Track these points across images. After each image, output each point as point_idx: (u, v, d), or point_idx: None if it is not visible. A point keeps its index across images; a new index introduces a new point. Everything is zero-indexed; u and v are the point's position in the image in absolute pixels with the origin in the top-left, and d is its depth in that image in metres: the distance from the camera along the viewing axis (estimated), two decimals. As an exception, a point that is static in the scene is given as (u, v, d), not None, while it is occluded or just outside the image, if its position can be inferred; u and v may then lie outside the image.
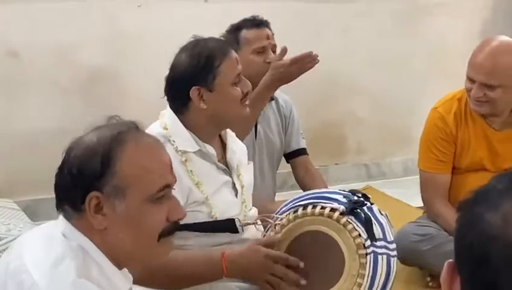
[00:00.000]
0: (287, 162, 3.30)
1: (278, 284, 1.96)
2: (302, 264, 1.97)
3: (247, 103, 2.18)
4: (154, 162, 1.46)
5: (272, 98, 3.17)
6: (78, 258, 1.36)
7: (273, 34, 3.10)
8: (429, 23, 4.90)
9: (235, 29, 3.06)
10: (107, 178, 1.39)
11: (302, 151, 3.24)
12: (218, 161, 2.19)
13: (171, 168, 1.51)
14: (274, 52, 3.07)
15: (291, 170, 3.30)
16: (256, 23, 3.08)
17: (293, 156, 3.25)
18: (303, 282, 1.96)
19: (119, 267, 1.44)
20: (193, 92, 2.09)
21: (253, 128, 3.06)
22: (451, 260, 0.91)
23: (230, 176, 2.21)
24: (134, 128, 1.49)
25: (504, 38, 2.81)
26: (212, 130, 2.17)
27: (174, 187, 1.51)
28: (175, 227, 1.50)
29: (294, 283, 1.95)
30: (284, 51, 2.76)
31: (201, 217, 2.10)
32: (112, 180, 1.40)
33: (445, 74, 4.67)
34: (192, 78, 2.09)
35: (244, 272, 1.97)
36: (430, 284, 2.96)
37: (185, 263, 1.98)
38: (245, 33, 3.05)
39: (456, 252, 0.90)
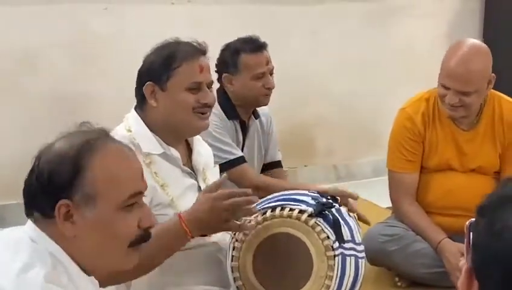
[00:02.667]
0: (261, 173, 3.30)
1: (234, 214, 1.94)
2: (249, 191, 1.96)
3: (205, 115, 2.17)
4: (124, 169, 1.45)
5: (257, 116, 3.17)
6: (46, 263, 1.35)
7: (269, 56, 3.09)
8: (397, 24, 4.94)
9: (234, 52, 3.04)
10: (77, 186, 1.38)
11: (277, 164, 3.28)
12: (184, 165, 2.18)
13: (142, 175, 1.50)
14: (271, 74, 3.08)
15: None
16: (256, 46, 3.05)
17: (268, 168, 3.28)
18: (254, 199, 1.95)
19: (87, 273, 1.43)
20: (147, 87, 2.12)
21: (241, 147, 3.08)
22: (467, 266, 0.88)
23: (196, 179, 2.20)
24: (104, 135, 1.48)
25: (473, 41, 2.79)
26: (171, 134, 2.16)
27: (145, 194, 1.50)
28: (147, 235, 1.48)
29: (246, 204, 1.93)
30: (355, 197, 2.55)
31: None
32: (82, 188, 1.38)
33: (414, 75, 4.71)
34: (150, 74, 2.13)
35: (205, 224, 1.93)
36: (399, 284, 2.97)
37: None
38: (244, 58, 3.03)
39: (478, 260, 0.86)
